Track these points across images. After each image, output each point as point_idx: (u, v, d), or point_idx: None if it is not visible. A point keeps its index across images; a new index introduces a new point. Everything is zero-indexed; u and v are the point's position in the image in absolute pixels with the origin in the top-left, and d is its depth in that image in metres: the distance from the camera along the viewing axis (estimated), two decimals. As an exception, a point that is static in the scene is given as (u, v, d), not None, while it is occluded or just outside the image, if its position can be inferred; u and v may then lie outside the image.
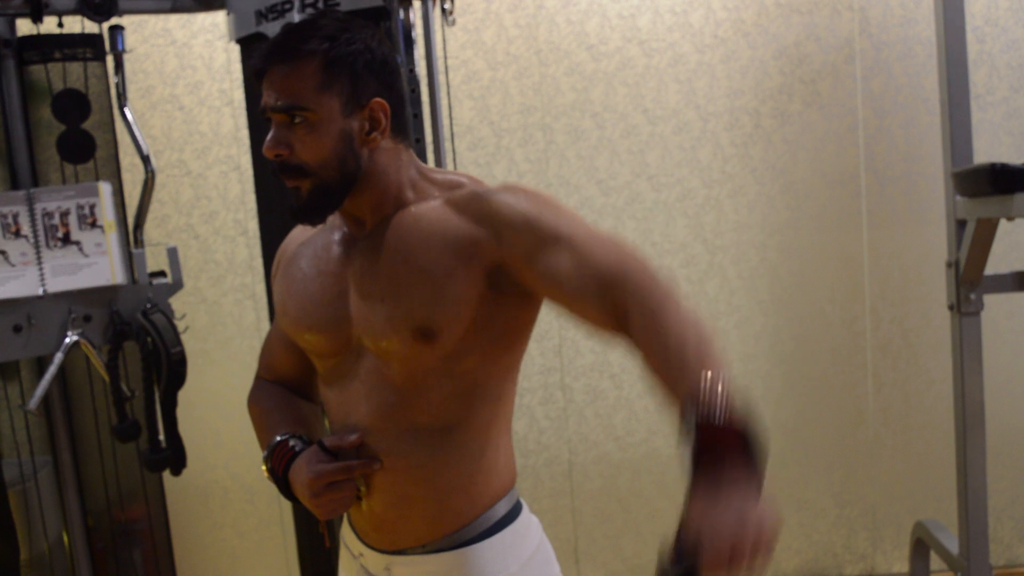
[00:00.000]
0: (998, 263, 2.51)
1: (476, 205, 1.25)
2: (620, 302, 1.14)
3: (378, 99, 1.26)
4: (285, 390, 1.51)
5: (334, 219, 1.38)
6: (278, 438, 1.38)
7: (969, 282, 2.44)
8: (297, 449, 1.35)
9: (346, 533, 1.46)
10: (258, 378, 1.55)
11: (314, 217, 1.29)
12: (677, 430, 1.02)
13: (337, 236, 1.37)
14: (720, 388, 1.01)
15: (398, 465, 1.30)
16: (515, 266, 1.23)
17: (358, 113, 1.25)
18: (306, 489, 1.29)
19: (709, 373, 1.02)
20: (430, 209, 1.28)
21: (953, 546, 2.57)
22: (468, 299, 1.24)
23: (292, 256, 1.42)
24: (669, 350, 1.08)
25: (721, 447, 0.97)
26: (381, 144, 1.28)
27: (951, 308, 2.50)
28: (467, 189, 1.29)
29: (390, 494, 1.31)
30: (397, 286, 1.25)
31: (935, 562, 2.81)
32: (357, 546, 1.41)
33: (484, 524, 1.33)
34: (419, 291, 1.24)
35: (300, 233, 1.46)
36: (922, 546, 2.79)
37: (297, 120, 1.23)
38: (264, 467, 1.39)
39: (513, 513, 1.37)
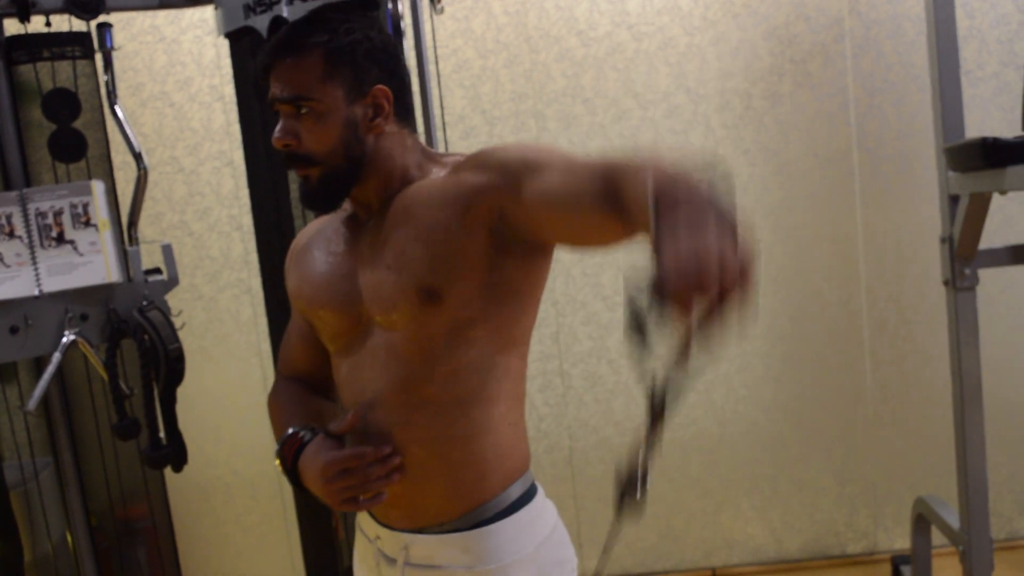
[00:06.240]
0: (992, 237, 2.51)
1: (473, 159, 1.29)
2: (614, 189, 1.02)
3: (380, 86, 1.30)
4: (302, 386, 1.54)
5: (343, 205, 1.41)
6: (290, 431, 1.39)
7: (964, 257, 2.44)
8: (306, 439, 1.37)
9: (361, 517, 1.47)
10: (277, 375, 1.59)
11: (324, 205, 1.35)
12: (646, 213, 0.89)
13: (346, 220, 1.42)
14: (680, 165, 0.91)
15: (411, 438, 1.31)
16: (511, 203, 1.20)
17: (361, 101, 1.30)
18: (318, 477, 1.30)
19: (672, 163, 0.92)
20: (434, 179, 1.33)
21: (954, 521, 2.58)
22: (470, 254, 1.25)
23: (304, 247, 1.48)
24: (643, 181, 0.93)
25: (679, 192, 0.87)
26: (386, 129, 1.32)
27: (946, 284, 2.50)
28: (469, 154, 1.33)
29: (406, 468, 1.32)
30: (402, 252, 1.28)
31: (937, 537, 2.82)
32: (373, 529, 1.42)
33: (500, 505, 1.35)
34: (422, 251, 1.26)
35: (309, 230, 1.50)
36: (923, 522, 2.81)
37: (303, 111, 1.28)
38: (277, 460, 1.40)
39: (528, 495, 1.39)
